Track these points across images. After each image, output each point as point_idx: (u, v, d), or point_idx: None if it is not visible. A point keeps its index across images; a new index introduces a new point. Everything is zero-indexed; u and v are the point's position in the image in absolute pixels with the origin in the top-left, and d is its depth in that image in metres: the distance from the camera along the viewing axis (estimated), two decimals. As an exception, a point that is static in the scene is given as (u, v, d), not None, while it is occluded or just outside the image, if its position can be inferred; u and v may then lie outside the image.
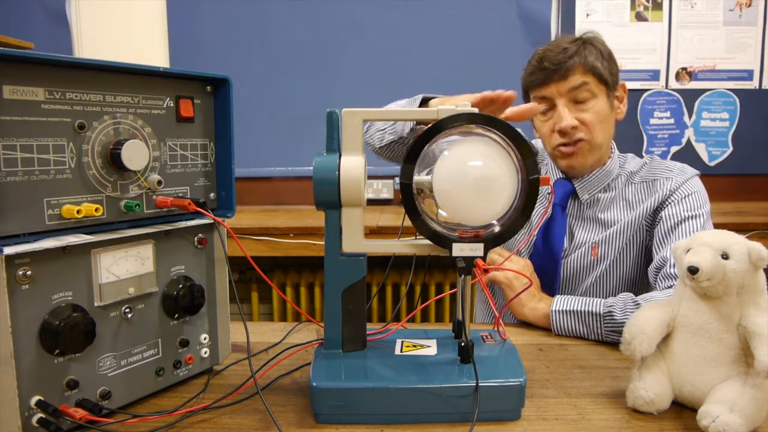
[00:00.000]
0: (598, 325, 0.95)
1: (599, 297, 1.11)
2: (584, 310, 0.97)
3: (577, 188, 1.21)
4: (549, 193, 1.25)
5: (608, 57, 1.16)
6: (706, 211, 1.13)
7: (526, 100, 1.22)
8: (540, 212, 1.24)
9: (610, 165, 1.21)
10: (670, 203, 1.13)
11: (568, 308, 0.98)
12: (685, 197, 1.13)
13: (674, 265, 1.04)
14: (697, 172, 1.19)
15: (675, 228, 1.10)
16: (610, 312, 0.95)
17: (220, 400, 0.72)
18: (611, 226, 1.17)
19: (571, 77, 1.12)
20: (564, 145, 1.16)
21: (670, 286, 1.02)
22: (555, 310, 0.99)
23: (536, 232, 1.22)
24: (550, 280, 1.18)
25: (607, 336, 0.94)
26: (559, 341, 0.96)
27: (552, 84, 1.13)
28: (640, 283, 1.18)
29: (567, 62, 1.11)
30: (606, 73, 1.14)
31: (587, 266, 1.18)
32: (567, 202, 1.22)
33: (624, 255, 1.16)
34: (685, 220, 1.10)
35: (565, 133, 1.14)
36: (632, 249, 1.16)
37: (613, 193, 1.20)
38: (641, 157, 1.27)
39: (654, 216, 1.15)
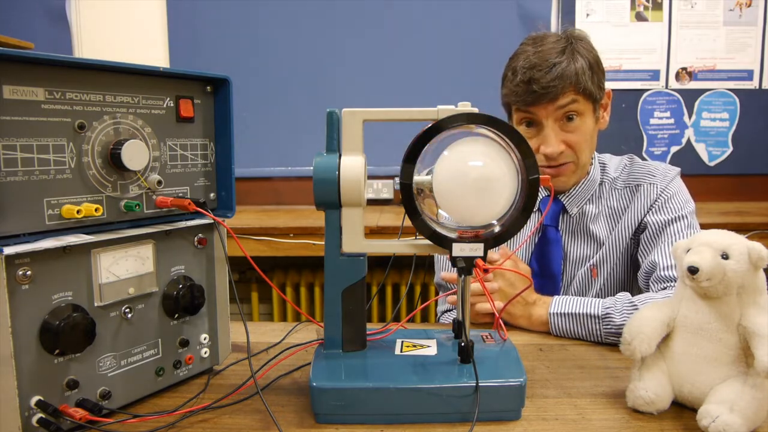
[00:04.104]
0: (597, 327, 0.95)
1: None
2: (582, 313, 0.96)
3: (565, 203, 1.19)
4: (536, 210, 1.23)
5: (596, 65, 1.12)
6: (690, 211, 1.12)
7: (507, 111, 1.19)
8: (530, 227, 1.23)
9: (594, 173, 1.20)
10: (654, 208, 1.13)
11: (565, 311, 0.98)
12: (668, 200, 1.12)
13: (665, 268, 1.04)
14: (678, 170, 1.18)
15: (661, 232, 1.10)
16: (608, 314, 0.94)
17: (220, 400, 0.72)
18: (603, 243, 1.16)
19: (561, 98, 1.08)
20: (549, 166, 1.13)
21: (665, 288, 1.02)
22: (552, 313, 0.98)
23: (531, 256, 1.20)
24: (553, 291, 1.17)
25: (606, 338, 0.94)
26: (560, 341, 0.96)
27: (540, 106, 1.09)
28: (632, 290, 1.17)
29: (558, 85, 1.06)
30: (594, 89, 1.10)
31: (586, 286, 1.18)
32: (558, 219, 1.20)
33: (619, 268, 1.16)
34: (670, 223, 1.10)
35: (551, 158, 1.11)
36: (626, 260, 1.16)
37: (600, 204, 1.19)
38: (623, 155, 1.26)
39: (640, 225, 1.14)
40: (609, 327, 0.94)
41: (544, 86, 1.06)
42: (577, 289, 1.18)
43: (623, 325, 0.90)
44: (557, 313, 0.98)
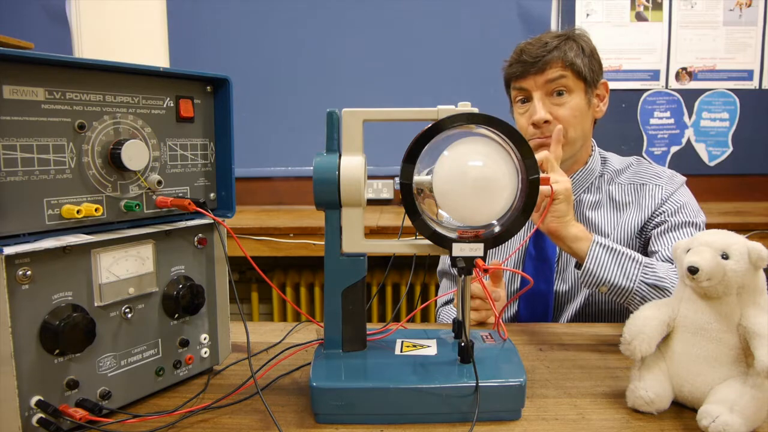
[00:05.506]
0: (635, 270, 0.93)
1: (595, 302, 1.11)
2: (625, 253, 0.95)
3: None
4: None
5: (590, 54, 1.16)
6: (702, 221, 1.13)
7: (508, 91, 1.23)
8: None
9: (592, 163, 1.21)
10: (665, 212, 1.13)
11: (609, 245, 0.96)
12: (681, 207, 1.13)
13: None
14: (684, 178, 1.20)
15: (675, 229, 1.10)
16: (652, 263, 0.94)
17: (220, 400, 0.72)
18: (602, 232, 1.16)
19: (549, 70, 1.13)
20: (537, 138, 1.16)
21: None
22: (596, 242, 0.96)
23: (528, 240, 1.21)
24: (546, 286, 1.17)
25: (639, 285, 0.93)
26: (560, 341, 0.96)
27: (530, 77, 1.14)
28: None
29: (545, 56, 1.12)
30: (585, 70, 1.14)
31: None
32: None
33: None
34: (684, 225, 1.10)
35: (539, 126, 1.14)
36: None
37: (599, 194, 1.20)
38: (629, 156, 1.27)
39: (645, 226, 1.14)
40: (648, 274, 0.93)
41: (534, 56, 1.12)
42: (573, 276, 1.18)
43: (665, 278, 0.90)
44: (600, 244, 0.96)
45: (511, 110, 1.23)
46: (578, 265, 0.98)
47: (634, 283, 0.93)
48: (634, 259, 0.95)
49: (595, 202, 1.19)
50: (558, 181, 0.95)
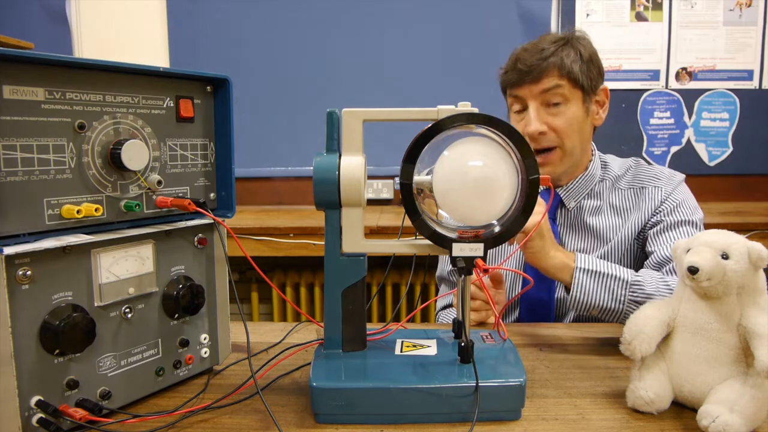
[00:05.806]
0: (623, 291, 0.93)
1: None
2: (610, 274, 0.94)
3: (562, 197, 1.19)
4: None
5: (588, 60, 1.14)
6: (699, 218, 1.13)
7: (505, 96, 1.22)
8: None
9: (592, 169, 1.20)
10: (662, 211, 1.13)
11: (592, 268, 0.95)
12: (677, 206, 1.13)
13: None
14: (683, 176, 1.19)
15: (673, 229, 1.10)
16: (638, 281, 0.93)
17: (220, 400, 0.72)
18: (603, 238, 1.16)
19: (544, 80, 1.10)
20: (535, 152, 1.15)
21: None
22: (579, 268, 0.95)
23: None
24: (548, 295, 1.16)
25: (629, 305, 0.92)
26: (560, 341, 0.96)
27: (525, 86, 1.12)
28: None
29: (541, 65, 1.09)
30: (582, 77, 1.12)
31: None
32: (556, 213, 1.20)
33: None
34: (682, 224, 1.10)
35: (534, 138, 1.12)
36: (628, 260, 1.16)
37: (600, 199, 1.19)
38: (628, 156, 1.26)
39: (645, 227, 1.14)
40: (636, 294, 0.92)
41: (529, 65, 1.10)
42: None
43: (654, 294, 0.90)
44: (583, 270, 0.95)
45: (509, 115, 1.22)
46: (567, 289, 0.98)
47: (623, 304, 0.93)
48: (620, 279, 0.94)
49: (596, 207, 1.19)
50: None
